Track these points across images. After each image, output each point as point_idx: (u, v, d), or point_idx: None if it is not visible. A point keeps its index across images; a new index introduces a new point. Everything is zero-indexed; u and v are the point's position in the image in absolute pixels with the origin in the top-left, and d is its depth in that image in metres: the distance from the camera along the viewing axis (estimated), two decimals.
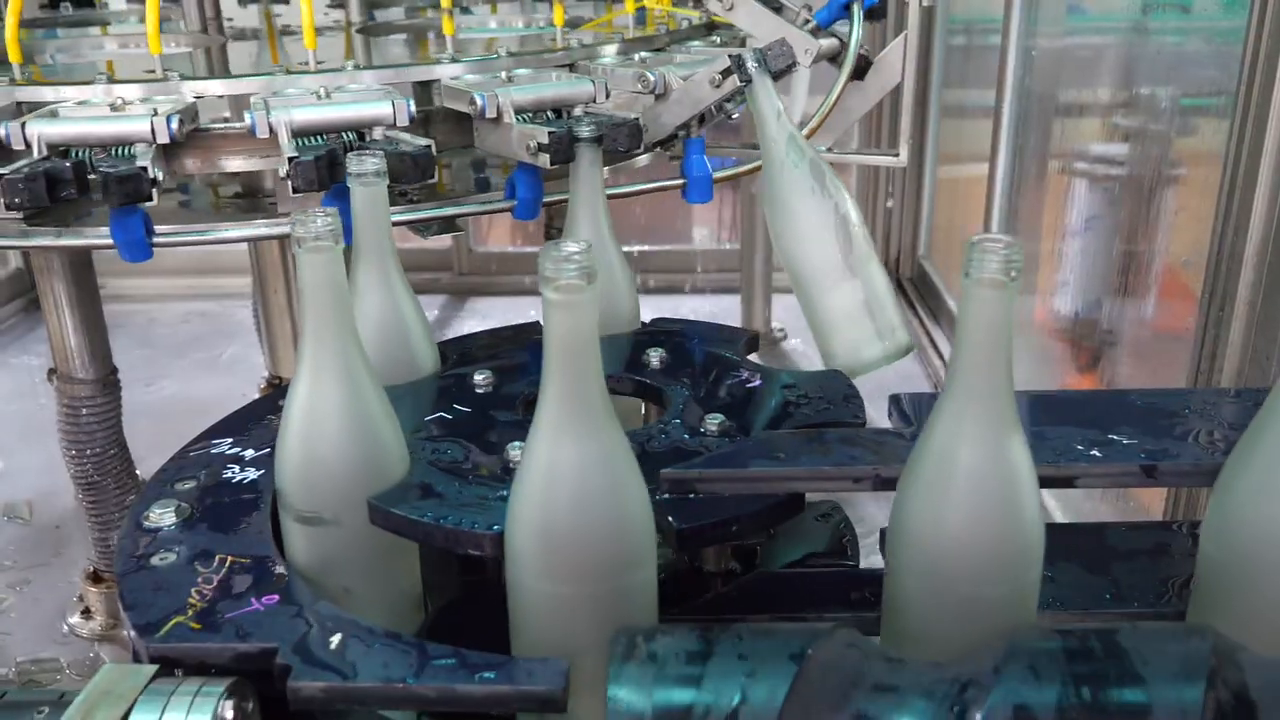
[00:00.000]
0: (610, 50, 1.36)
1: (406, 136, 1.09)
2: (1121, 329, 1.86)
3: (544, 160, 1.09)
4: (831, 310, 1.05)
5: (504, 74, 1.23)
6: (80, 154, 1.06)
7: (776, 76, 1.13)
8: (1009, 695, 0.58)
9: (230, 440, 1.00)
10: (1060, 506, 1.94)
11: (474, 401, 1.00)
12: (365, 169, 0.93)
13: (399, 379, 1.02)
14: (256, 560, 0.81)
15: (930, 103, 2.95)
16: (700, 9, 1.67)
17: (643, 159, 1.39)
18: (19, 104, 1.17)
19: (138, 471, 1.72)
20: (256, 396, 2.40)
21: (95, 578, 1.83)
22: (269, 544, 0.83)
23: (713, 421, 0.92)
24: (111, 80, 1.18)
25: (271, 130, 1.08)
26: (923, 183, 3.16)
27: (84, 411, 1.61)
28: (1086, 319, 2.00)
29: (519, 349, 1.13)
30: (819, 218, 1.04)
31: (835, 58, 1.35)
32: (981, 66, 2.57)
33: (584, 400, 0.68)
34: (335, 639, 0.71)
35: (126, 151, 1.06)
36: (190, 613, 0.75)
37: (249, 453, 0.97)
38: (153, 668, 0.69)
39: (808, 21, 1.32)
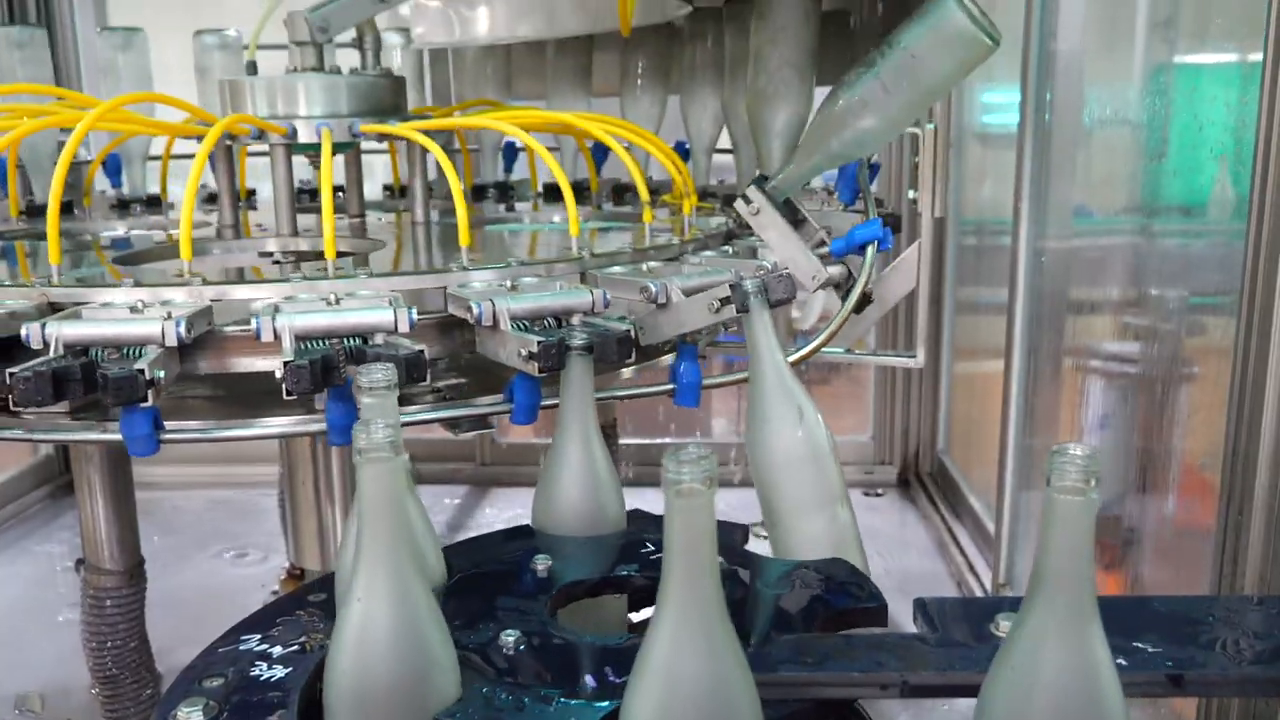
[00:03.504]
0: (621, 260, 1.41)
1: (405, 342, 1.13)
2: (1143, 527, 1.86)
3: (533, 368, 1.13)
4: (799, 546, 1.08)
5: (509, 282, 1.27)
6: (95, 354, 1.11)
7: (774, 305, 1.17)
8: None
9: (258, 637, 1.01)
10: None
11: None
12: (375, 379, 0.92)
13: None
14: None
15: (945, 301, 3.03)
16: (726, 211, 1.75)
17: (628, 371, 1.42)
18: (51, 304, 1.23)
19: (156, 665, 1.71)
20: (275, 587, 2.40)
21: None
22: None
23: None
24: (138, 284, 1.25)
25: (276, 335, 1.12)
26: (939, 378, 3.21)
27: (108, 603, 1.62)
28: (1107, 516, 2.00)
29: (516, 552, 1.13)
30: (794, 455, 1.09)
31: (840, 286, 1.40)
32: (993, 265, 2.66)
33: (702, 600, 0.70)
34: None
35: (138, 352, 1.11)
36: None
37: (277, 649, 0.98)
38: None
39: (823, 243, 1.37)
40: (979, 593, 2.53)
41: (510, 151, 2.35)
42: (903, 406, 3.32)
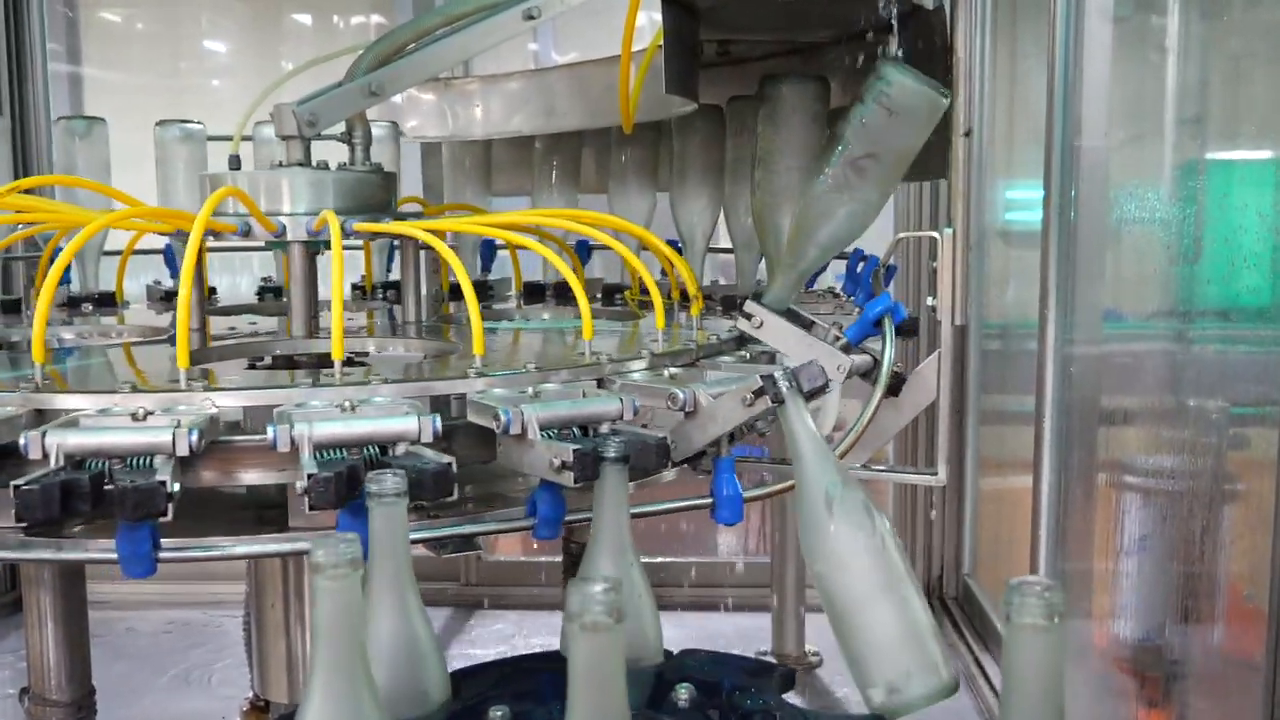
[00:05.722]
0: (639, 365, 1.44)
1: (429, 452, 1.15)
2: (1189, 657, 1.84)
3: (568, 478, 1.14)
4: (869, 644, 1.08)
5: (530, 389, 1.30)
6: (97, 465, 1.11)
7: (809, 397, 1.21)
8: None
9: None
10: None
11: None
12: (385, 489, 1.00)
13: (405, 710, 1.03)
14: None
15: (968, 412, 3.04)
16: (730, 318, 1.79)
17: (669, 474, 1.45)
18: (38, 411, 1.23)
19: None
20: None
21: None
22: None
23: None
24: (135, 389, 1.25)
25: (293, 444, 1.13)
26: (964, 495, 3.21)
27: None
28: (1149, 647, 1.98)
29: (539, 682, 1.14)
30: (855, 543, 1.09)
31: (868, 374, 1.43)
32: (1020, 372, 2.68)
33: (349, 677, 0.83)
34: None
35: (146, 463, 1.12)
36: None
37: None
38: None
39: (838, 339, 1.41)
40: None
41: (488, 249, 2.41)
42: (924, 525, 3.31)
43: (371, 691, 0.88)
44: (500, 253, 2.42)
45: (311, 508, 1.08)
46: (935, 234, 1.47)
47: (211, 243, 1.68)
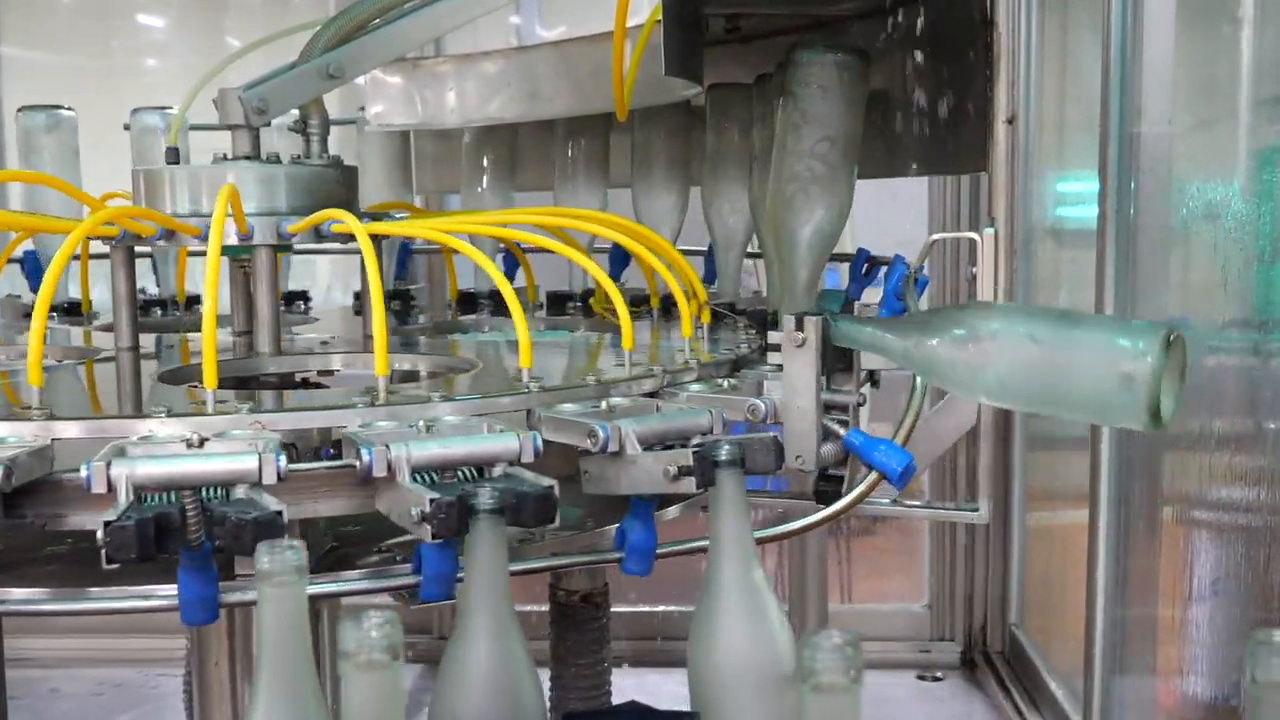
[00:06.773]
0: (689, 376, 1.47)
1: (528, 474, 1.16)
2: None
3: (688, 485, 1.17)
4: (1082, 385, 1.14)
5: (603, 404, 1.32)
6: (165, 499, 1.11)
7: (843, 310, 1.28)
8: None
9: None
10: None
11: None
12: (486, 503, 1.06)
13: None
14: None
15: (1014, 438, 3.04)
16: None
17: (673, 511, 1.46)
18: (53, 440, 1.21)
19: None
20: None
21: None
22: None
23: None
24: (170, 414, 1.24)
25: (390, 469, 1.13)
26: (1010, 532, 3.20)
27: None
28: (1224, 709, 1.98)
29: None
30: (995, 339, 1.15)
31: (842, 462, 1.40)
32: None
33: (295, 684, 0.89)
34: None
35: (222, 494, 1.12)
36: None
37: None
38: None
39: (844, 423, 1.38)
40: None
41: (405, 254, 2.44)
42: (966, 568, 3.30)
43: (321, 710, 0.91)
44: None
45: (435, 537, 1.09)
46: (974, 235, 1.48)
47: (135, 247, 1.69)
